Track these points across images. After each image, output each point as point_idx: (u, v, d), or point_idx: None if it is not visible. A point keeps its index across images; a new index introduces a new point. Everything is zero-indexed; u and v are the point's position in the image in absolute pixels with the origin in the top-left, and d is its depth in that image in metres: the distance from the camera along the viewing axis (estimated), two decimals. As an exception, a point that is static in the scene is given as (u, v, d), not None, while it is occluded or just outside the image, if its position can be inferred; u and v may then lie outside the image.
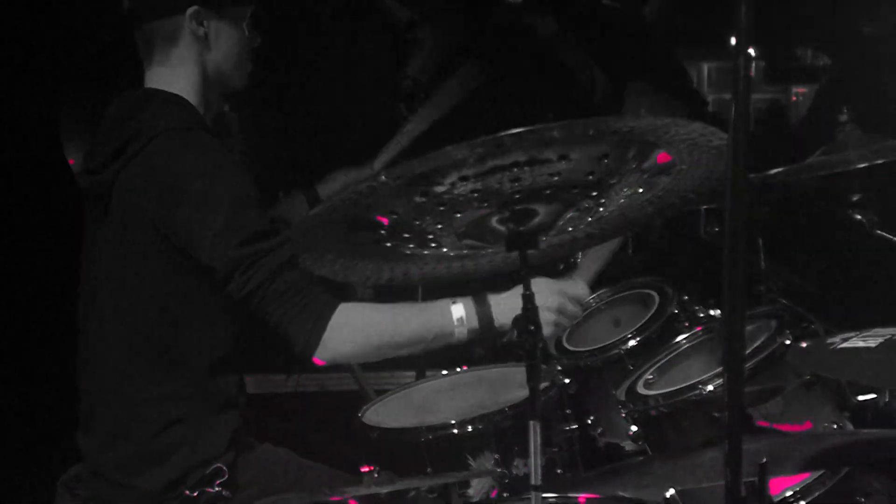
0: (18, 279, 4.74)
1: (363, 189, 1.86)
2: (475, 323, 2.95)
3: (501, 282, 2.99)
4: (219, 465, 3.00)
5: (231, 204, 2.91)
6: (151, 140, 2.97)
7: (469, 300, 2.97)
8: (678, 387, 3.17)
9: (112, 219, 3.02)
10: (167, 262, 2.95)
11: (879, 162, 3.32)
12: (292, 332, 2.89)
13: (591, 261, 4.16)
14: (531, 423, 2.01)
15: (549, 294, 2.94)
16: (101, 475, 3.06)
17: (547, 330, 2.90)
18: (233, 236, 2.89)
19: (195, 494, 2.98)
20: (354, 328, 2.92)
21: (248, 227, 2.90)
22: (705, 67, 6.56)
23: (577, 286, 3.06)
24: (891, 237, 3.63)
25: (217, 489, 2.99)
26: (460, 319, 2.95)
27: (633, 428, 3.21)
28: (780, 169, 3.48)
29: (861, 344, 2.43)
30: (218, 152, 2.99)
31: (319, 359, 2.91)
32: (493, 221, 2.01)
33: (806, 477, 2.86)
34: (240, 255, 2.88)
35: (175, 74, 3.10)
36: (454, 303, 2.96)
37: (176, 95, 3.07)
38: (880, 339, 2.40)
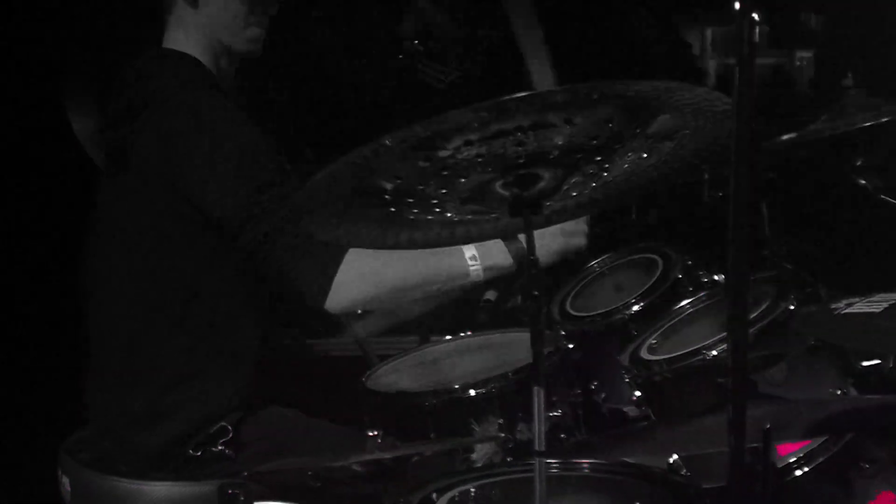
0: (20, 244, 4.74)
1: (367, 153, 1.86)
2: (491, 260, 2.97)
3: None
4: (223, 423, 3.01)
5: (240, 156, 2.93)
6: (165, 99, 3.00)
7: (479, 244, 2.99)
8: (682, 352, 3.16)
9: (128, 176, 3.04)
10: (181, 218, 2.97)
11: (884, 120, 3.31)
12: (301, 283, 2.90)
13: None
14: (535, 388, 2.01)
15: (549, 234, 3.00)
16: (107, 433, 3.07)
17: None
18: (241, 187, 2.90)
19: (199, 453, 3.00)
20: (364, 274, 2.93)
21: (256, 178, 2.91)
22: (709, 32, 6.54)
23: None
24: (895, 202, 3.62)
25: (220, 448, 3.00)
26: (473, 257, 2.96)
27: (637, 393, 3.22)
28: (789, 135, 3.47)
29: (866, 309, 2.43)
30: (227, 108, 3.02)
31: (331, 308, 2.92)
32: (497, 186, 2.00)
33: (809, 443, 2.86)
34: (248, 205, 2.89)
35: (182, 35, 3.17)
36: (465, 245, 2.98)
37: (187, 55, 3.11)
38: (885, 305, 2.40)
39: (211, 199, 2.92)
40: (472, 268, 2.99)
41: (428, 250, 3.00)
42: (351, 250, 2.91)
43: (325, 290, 2.89)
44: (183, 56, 3.12)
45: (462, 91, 5.85)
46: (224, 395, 3.04)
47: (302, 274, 2.89)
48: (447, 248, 2.98)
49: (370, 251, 2.94)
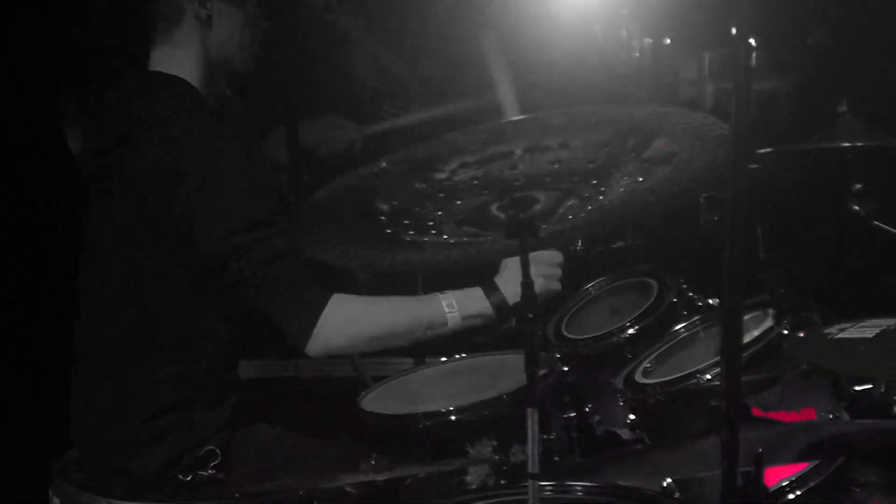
0: (15, 263, 4.74)
1: (365, 175, 1.86)
2: (469, 309, 2.96)
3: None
4: (211, 447, 3.00)
5: (230, 190, 2.91)
6: (155, 125, 2.96)
7: (459, 291, 2.98)
8: (676, 375, 3.17)
9: (115, 203, 3.02)
10: (168, 247, 2.95)
11: (877, 145, 3.33)
12: (285, 324, 2.89)
13: None
14: (529, 410, 2.01)
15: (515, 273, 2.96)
16: (95, 458, 3.06)
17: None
18: (230, 223, 2.88)
19: (189, 478, 2.99)
20: (347, 321, 2.91)
21: (245, 215, 2.89)
22: (706, 56, 6.54)
23: (548, 252, 3.05)
24: (889, 228, 3.63)
25: (211, 472, 2.99)
26: (451, 305, 2.96)
27: (631, 416, 3.22)
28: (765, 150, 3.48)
29: (858, 334, 2.44)
30: (220, 137, 2.98)
31: (311, 352, 2.91)
32: (494, 208, 2.01)
33: (802, 467, 2.87)
34: (236, 242, 2.87)
35: (178, 56, 3.10)
36: (443, 293, 2.98)
37: (178, 78, 3.07)
38: (877, 330, 2.41)
39: (198, 231, 2.89)
40: (449, 315, 2.97)
41: (410, 298, 3.02)
42: (335, 297, 2.90)
43: (307, 334, 2.88)
44: (174, 80, 3.09)
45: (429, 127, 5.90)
46: (210, 422, 3.03)
47: (286, 316, 2.88)
48: (426, 297, 2.99)
49: (353, 298, 2.96)
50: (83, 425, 3.11)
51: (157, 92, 3.05)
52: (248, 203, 2.91)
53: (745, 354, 2.98)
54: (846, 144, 3.40)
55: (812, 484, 2.81)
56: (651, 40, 6.93)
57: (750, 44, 1.69)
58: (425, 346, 4.04)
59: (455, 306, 2.96)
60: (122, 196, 3.01)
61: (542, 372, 3.21)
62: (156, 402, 3.00)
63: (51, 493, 3.08)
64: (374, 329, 2.94)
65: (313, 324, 2.87)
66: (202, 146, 2.94)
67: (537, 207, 2.02)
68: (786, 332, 3.10)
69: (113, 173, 3.01)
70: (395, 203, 1.96)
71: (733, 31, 1.68)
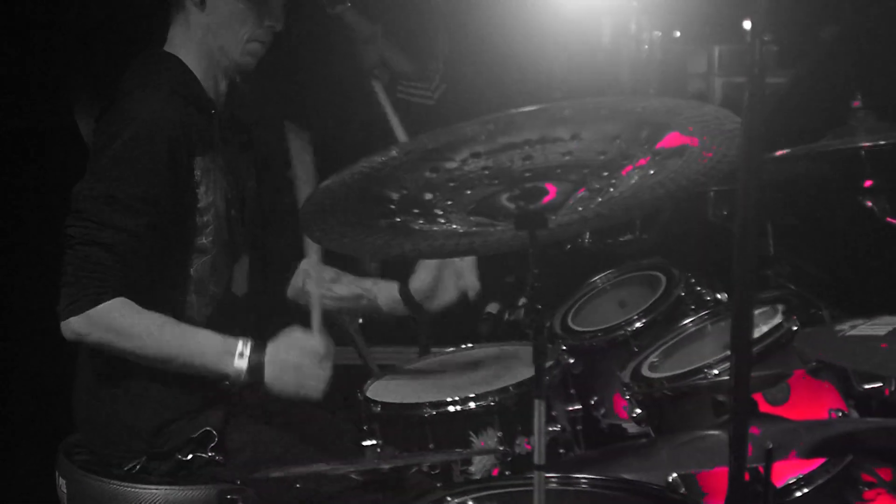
0: (18, 244, 4.74)
1: (375, 163, 1.85)
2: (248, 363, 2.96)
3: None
4: (207, 429, 3.00)
5: (119, 160, 2.93)
6: (124, 97, 3.01)
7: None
8: (683, 370, 3.16)
9: None
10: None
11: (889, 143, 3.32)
12: (62, 295, 2.90)
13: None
14: (536, 401, 2.01)
15: (286, 350, 2.96)
16: (88, 426, 3.08)
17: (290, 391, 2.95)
18: (91, 183, 2.93)
19: (189, 458, 3.00)
20: (107, 330, 2.90)
21: (108, 185, 2.91)
22: (716, 50, 6.53)
23: (313, 338, 3.03)
24: (901, 225, 3.62)
25: (210, 454, 3.00)
26: (241, 355, 2.95)
27: (637, 410, 3.21)
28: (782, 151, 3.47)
29: (869, 332, 2.42)
30: (150, 112, 2.98)
31: (64, 330, 2.91)
32: (503, 199, 2.00)
33: (808, 465, 2.86)
34: (81, 200, 2.92)
35: (181, 38, 3.15)
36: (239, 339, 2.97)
37: (170, 56, 3.11)
38: (888, 328, 2.39)
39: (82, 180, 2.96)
40: (236, 366, 2.97)
41: (194, 331, 2.99)
42: (114, 302, 2.90)
43: (63, 316, 2.89)
44: (168, 57, 3.11)
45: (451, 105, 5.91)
46: (194, 390, 3.03)
47: (65, 287, 2.89)
48: (218, 343, 2.97)
49: (129, 312, 2.92)
50: (78, 397, 3.12)
51: (142, 67, 3.11)
52: (119, 177, 2.92)
53: (753, 350, 2.97)
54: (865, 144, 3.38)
55: (819, 482, 2.81)
56: (660, 33, 6.93)
57: (764, 38, 1.68)
58: (431, 337, 4.05)
59: (245, 356, 2.96)
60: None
61: (548, 364, 3.21)
62: (142, 375, 3.01)
63: (57, 473, 3.09)
64: (132, 348, 2.93)
65: (76, 312, 2.87)
66: (130, 113, 2.97)
67: (547, 199, 2.01)
68: (795, 328, 3.09)
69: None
70: (404, 192, 1.96)
71: (747, 25, 1.67)
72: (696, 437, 2.44)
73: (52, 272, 2.96)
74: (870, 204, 3.62)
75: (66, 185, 3.00)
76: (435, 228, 2.12)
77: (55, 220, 2.97)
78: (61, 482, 3.08)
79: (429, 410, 3.08)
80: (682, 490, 2.92)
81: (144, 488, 2.94)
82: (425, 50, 5.97)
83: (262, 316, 3.28)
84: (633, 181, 2.06)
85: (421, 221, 2.08)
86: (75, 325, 2.89)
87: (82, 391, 3.12)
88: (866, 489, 2.84)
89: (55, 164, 4.48)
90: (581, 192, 2.04)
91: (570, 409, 3.31)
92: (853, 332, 2.44)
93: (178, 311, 3.03)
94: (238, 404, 3.12)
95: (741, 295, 1.74)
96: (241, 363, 2.93)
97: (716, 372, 3.02)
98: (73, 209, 2.92)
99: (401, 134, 3.35)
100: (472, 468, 3.03)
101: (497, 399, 3.06)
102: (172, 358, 2.94)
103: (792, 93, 4.90)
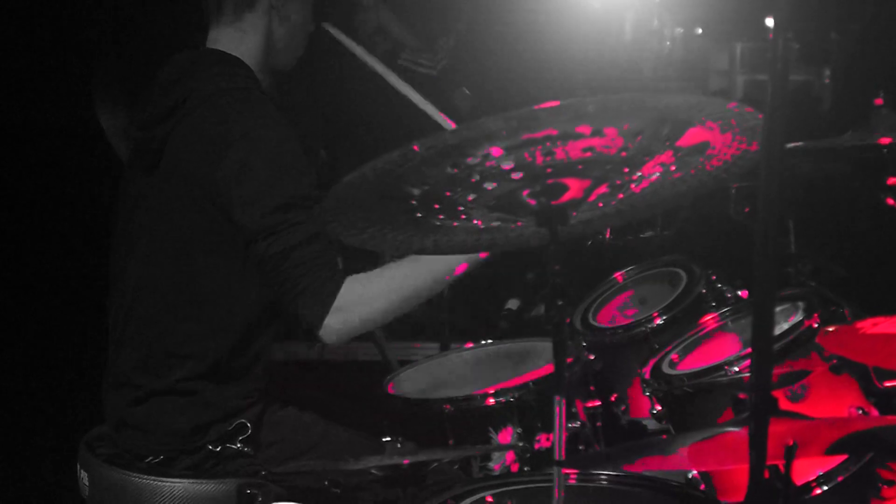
0: (39, 242, 4.77)
1: (396, 159, 1.86)
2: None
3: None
4: (242, 420, 3.02)
5: (270, 168, 2.93)
6: (205, 100, 3.00)
7: None
8: (704, 367, 3.16)
9: (159, 173, 3.06)
10: (207, 220, 2.98)
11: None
12: (299, 309, 2.91)
13: None
14: (556, 397, 2.01)
15: None
16: (127, 425, 3.08)
17: None
18: (265, 202, 2.91)
19: (218, 449, 3.01)
20: (358, 305, 2.92)
21: (281, 196, 2.91)
22: (738, 47, 6.53)
23: None
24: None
25: (239, 446, 3.01)
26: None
27: (657, 407, 3.21)
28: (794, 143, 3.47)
29: (893, 330, 2.42)
30: (268, 116, 3.01)
31: (325, 339, 2.93)
32: (525, 195, 2.00)
33: (827, 463, 2.85)
34: (267, 222, 2.90)
35: (241, 39, 3.15)
36: None
37: (237, 58, 3.11)
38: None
39: (234, 205, 2.92)
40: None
41: (420, 261, 3.01)
42: (346, 283, 2.91)
43: (317, 325, 2.90)
44: (233, 60, 3.12)
45: (451, 77, 5.91)
46: (239, 392, 3.04)
47: (298, 302, 2.90)
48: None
49: (362, 280, 2.97)
50: (117, 396, 3.12)
51: (214, 67, 3.10)
52: (285, 184, 2.93)
53: (774, 347, 2.96)
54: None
55: (839, 479, 2.80)
56: (682, 30, 6.92)
57: (787, 35, 1.67)
58: (451, 333, 4.05)
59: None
60: (168, 167, 3.04)
61: (568, 360, 3.21)
62: (188, 371, 3.02)
63: (78, 466, 3.11)
64: (385, 305, 2.96)
65: (323, 315, 2.88)
66: (249, 121, 2.97)
67: (568, 195, 2.01)
68: (816, 325, 3.08)
69: (161, 144, 3.04)
70: (425, 187, 1.96)
71: (769, 22, 1.66)
72: (717, 434, 2.43)
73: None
74: (891, 202, 3.61)
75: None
76: (456, 224, 2.12)
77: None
78: (83, 475, 3.09)
79: (448, 406, 3.08)
80: (702, 487, 2.92)
81: (165, 481, 2.95)
82: (440, 25, 5.97)
83: None
84: (654, 177, 2.05)
85: (442, 217, 2.08)
86: (333, 324, 2.91)
87: (119, 388, 3.13)
88: (886, 486, 2.83)
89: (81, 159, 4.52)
90: (602, 189, 2.03)
91: (590, 405, 3.32)
92: (873, 330, 2.44)
93: None
94: (273, 402, 3.13)
95: (762, 292, 1.74)
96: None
97: (736, 369, 3.01)
98: (253, 233, 2.93)
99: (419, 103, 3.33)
100: (492, 464, 3.03)
101: (517, 395, 3.06)
102: (426, 286, 3.00)
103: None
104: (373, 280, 2.98)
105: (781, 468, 2.15)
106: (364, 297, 2.93)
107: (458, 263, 2.98)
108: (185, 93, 3.02)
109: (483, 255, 2.98)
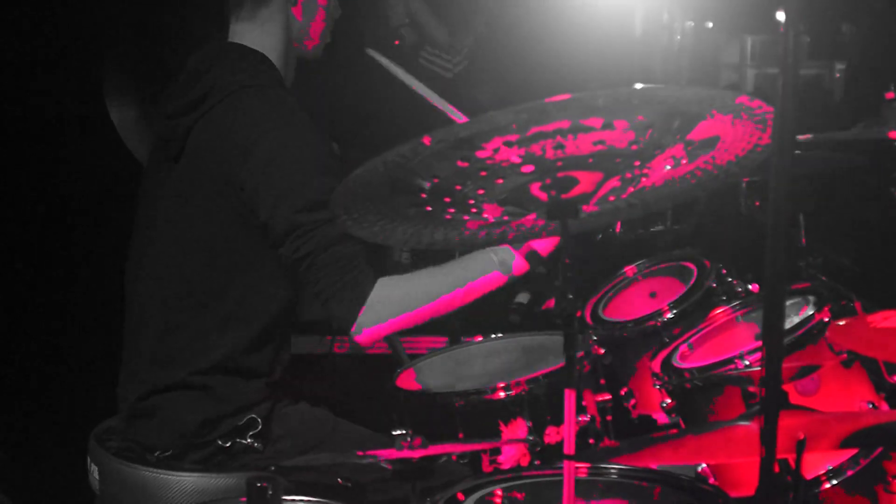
0: (50, 236, 4.77)
1: (406, 152, 1.86)
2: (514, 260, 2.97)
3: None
4: (253, 415, 3.02)
5: (297, 167, 2.93)
6: (229, 95, 3.00)
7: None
8: (714, 360, 3.16)
9: (181, 166, 3.06)
10: (229, 214, 2.98)
11: None
12: (332, 309, 2.91)
13: None
14: (567, 391, 2.01)
15: None
16: (138, 418, 3.08)
17: None
18: (294, 201, 2.91)
19: (227, 444, 3.01)
20: (390, 305, 2.92)
21: (309, 194, 2.90)
22: (749, 40, 6.51)
23: None
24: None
25: (249, 441, 3.01)
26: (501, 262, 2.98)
27: (667, 400, 3.21)
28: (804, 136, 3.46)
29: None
30: (293, 113, 3.01)
31: (358, 339, 2.93)
32: (535, 189, 2.00)
33: (837, 457, 2.85)
34: (296, 220, 2.90)
35: (260, 32, 3.14)
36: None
37: (259, 53, 3.10)
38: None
39: (261, 204, 2.92)
40: (496, 257, 2.99)
41: (452, 265, 3.02)
42: (378, 284, 2.91)
43: (349, 323, 2.90)
44: (255, 54, 3.11)
45: (466, 81, 5.91)
46: (253, 388, 3.04)
47: (332, 300, 2.90)
48: (472, 257, 3.00)
49: (395, 281, 2.98)
50: (130, 388, 3.12)
51: (237, 62, 3.09)
52: (313, 183, 2.92)
53: (785, 341, 2.96)
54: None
55: (849, 473, 2.80)
56: (693, 23, 6.90)
57: (798, 28, 1.67)
58: (462, 326, 4.05)
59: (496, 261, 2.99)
60: (190, 160, 3.04)
61: (578, 354, 3.21)
62: (202, 365, 3.02)
63: (89, 459, 3.11)
64: (417, 309, 2.96)
65: (356, 313, 2.89)
66: (274, 120, 2.97)
67: (579, 188, 2.01)
68: (826, 319, 3.08)
69: (183, 137, 3.04)
70: (436, 181, 1.96)
71: (780, 16, 1.66)
72: (726, 428, 2.43)
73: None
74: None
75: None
76: (466, 217, 2.12)
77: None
78: (93, 468, 3.09)
79: (458, 399, 3.08)
80: (712, 480, 2.92)
81: (175, 475, 2.96)
82: (461, 23, 5.97)
83: None
84: (664, 171, 2.05)
85: (452, 210, 2.08)
86: (364, 324, 2.92)
87: (132, 380, 3.13)
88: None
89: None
90: (614, 182, 2.03)
91: (600, 399, 3.32)
92: (884, 324, 2.43)
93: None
94: (283, 397, 3.13)
95: (772, 286, 1.73)
96: (496, 252, 3.00)
97: (747, 363, 3.01)
98: (282, 232, 2.94)
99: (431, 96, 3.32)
100: (502, 457, 3.03)
101: (527, 389, 3.06)
102: (458, 296, 3.00)
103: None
104: (405, 282, 2.99)
105: (792, 463, 2.15)
106: (395, 299, 2.94)
107: (492, 275, 2.99)
108: (207, 87, 3.02)
109: (520, 271, 3.00)
